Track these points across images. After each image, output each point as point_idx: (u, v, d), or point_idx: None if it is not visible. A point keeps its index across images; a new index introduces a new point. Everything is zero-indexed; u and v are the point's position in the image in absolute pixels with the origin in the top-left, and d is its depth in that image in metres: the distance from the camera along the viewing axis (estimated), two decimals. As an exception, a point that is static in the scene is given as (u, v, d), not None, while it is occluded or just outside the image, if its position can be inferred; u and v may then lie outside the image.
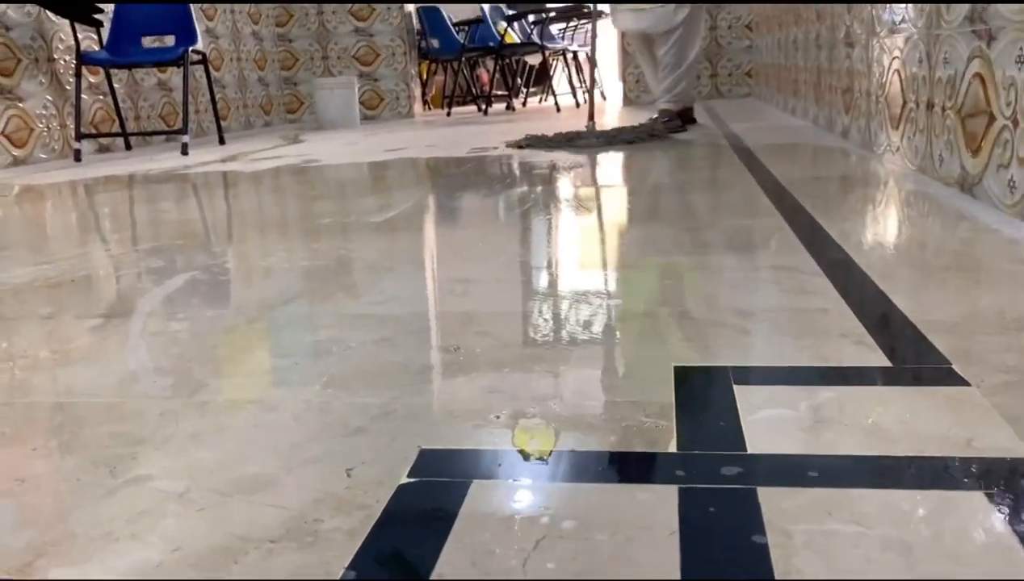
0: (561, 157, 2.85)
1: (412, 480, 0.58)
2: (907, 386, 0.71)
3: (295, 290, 1.18)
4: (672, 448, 0.61)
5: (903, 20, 1.97)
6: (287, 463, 0.62)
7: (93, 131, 4.11)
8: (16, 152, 3.63)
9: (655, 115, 3.58)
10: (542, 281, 1.18)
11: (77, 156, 3.74)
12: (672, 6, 3.45)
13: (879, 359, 0.77)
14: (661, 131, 3.24)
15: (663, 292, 1.03)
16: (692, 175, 2.20)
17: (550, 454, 0.61)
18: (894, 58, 2.05)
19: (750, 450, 0.60)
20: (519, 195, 2.00)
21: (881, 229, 1.38)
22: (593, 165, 2.68)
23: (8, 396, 0.80)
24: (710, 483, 0.55)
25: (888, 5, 2.09)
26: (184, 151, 3.73)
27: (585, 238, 1.47)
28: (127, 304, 1.16)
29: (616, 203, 1.87)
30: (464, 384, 0.76)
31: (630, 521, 0.51)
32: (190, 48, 3.81)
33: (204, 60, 4.10)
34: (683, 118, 3.58)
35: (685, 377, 0.75)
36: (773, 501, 0.53)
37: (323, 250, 1.44)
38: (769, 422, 0.65)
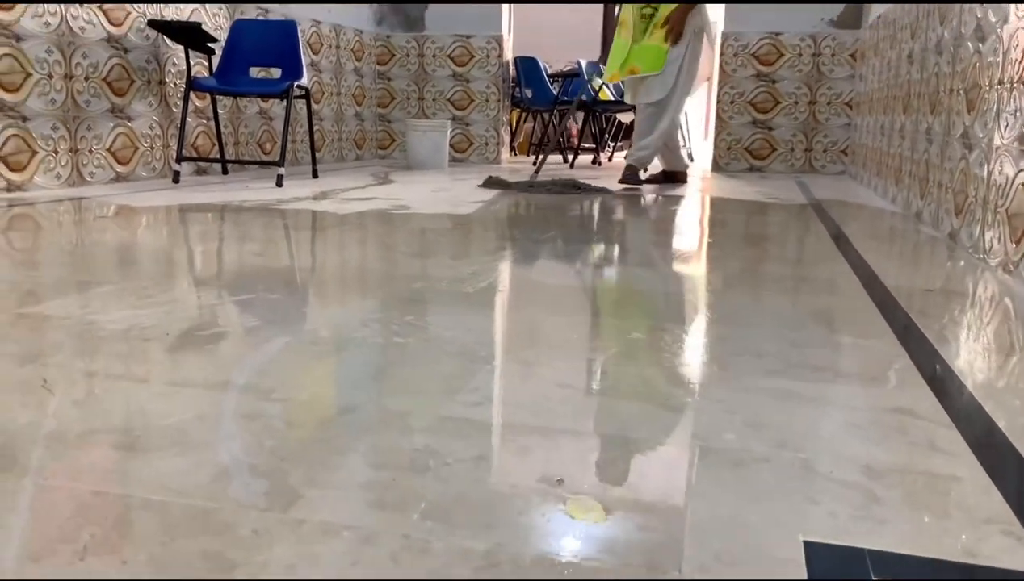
0: (651, 212, 2.80)
1: (522, 667, 0.53)
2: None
3: (390, 376, 1.15)
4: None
5: (1035, 133, 1.87)
6: (386, 621, 0.58)
7: (194, 153, 4.23)
8: (119, 168, 3.75)
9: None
10: (654, 406, 1.12)
11: (176, 177, 3.85)
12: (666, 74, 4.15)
13: (1034, 559, 0.69)
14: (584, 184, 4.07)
15: (778, 429, 0.97)
16: (789, 269, 2.12)
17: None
18: (1020, 170, 1.95)
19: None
20: (610, 271, 1.95)
21: (1016, 368, 1.28)
22: (681, 239, 2.62)
23: (100, 483, 0.78)
24: None
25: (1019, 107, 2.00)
26: (279, 183, 3.80)
27: (676, 342, 1.41)
28: (222, 372, 1.14)
29: (709, 296, 1.81)
30: (569, 533, 0.71)
31: None
32: (295, 83, 3.90)
33: (307, 95, 4.19)
34: (675, 179, 4.56)
35: (817, 556, 0.68)
36: None
37: (415, 325, 1.41)
38: (920, 640, 0.58)
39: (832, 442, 0.94)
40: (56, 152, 3.40)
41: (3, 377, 1.09)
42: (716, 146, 5.71)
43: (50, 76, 3.34)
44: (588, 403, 1.07)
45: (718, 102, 5.68)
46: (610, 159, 6.95)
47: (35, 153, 3.30)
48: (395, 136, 6.29)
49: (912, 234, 2.74)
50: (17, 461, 0.83)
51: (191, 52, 3.96)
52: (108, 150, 3.68)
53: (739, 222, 3.07)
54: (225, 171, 4.34)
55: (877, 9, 4.65)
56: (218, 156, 4.29)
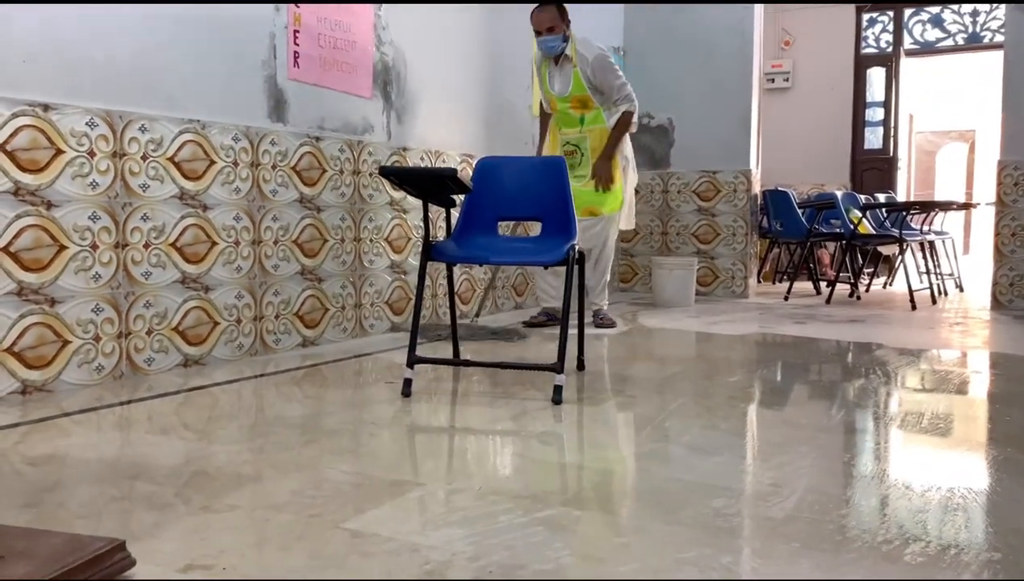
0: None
1: None
2: None
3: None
4: None
5: None
6: None
7: (441, 312, 4.46)
8: (394, 318, 4.03)
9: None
10: None
11: (457, 353, 4.05)
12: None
13: None
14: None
15: None
16: None
17: None
18: None
19: None
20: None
21: None
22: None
23: None
24: None
25: None
26: (556, 399, 3.88)
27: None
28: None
29: None
30: None
31: None
32: (573, 244, 3.96)
33: (582, 258, 4.30)
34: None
35: None
36: None
37: (733, 570, 1.32)
38: None
39: None
40: (344, 308, 3.71)
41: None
42: (996, 282, 5.22)
43: (342, 240, 3.69)
44: None
45: (996, 235, 5.22)
46: (867, 289, 6.55)
47: (327, 310, 3.62)
48: (637, 269, 6.32)
49: None
50: None
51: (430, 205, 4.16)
52: (386, 302, 3.97)
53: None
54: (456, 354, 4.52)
55: None
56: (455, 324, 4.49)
